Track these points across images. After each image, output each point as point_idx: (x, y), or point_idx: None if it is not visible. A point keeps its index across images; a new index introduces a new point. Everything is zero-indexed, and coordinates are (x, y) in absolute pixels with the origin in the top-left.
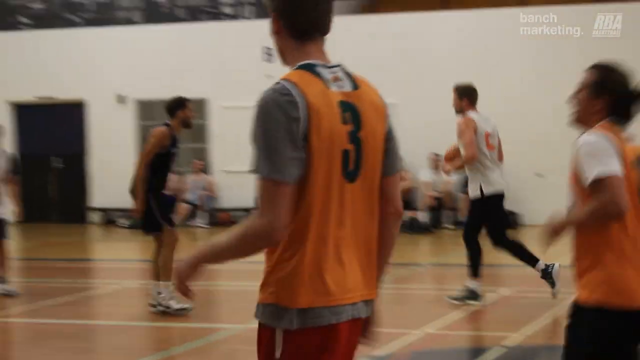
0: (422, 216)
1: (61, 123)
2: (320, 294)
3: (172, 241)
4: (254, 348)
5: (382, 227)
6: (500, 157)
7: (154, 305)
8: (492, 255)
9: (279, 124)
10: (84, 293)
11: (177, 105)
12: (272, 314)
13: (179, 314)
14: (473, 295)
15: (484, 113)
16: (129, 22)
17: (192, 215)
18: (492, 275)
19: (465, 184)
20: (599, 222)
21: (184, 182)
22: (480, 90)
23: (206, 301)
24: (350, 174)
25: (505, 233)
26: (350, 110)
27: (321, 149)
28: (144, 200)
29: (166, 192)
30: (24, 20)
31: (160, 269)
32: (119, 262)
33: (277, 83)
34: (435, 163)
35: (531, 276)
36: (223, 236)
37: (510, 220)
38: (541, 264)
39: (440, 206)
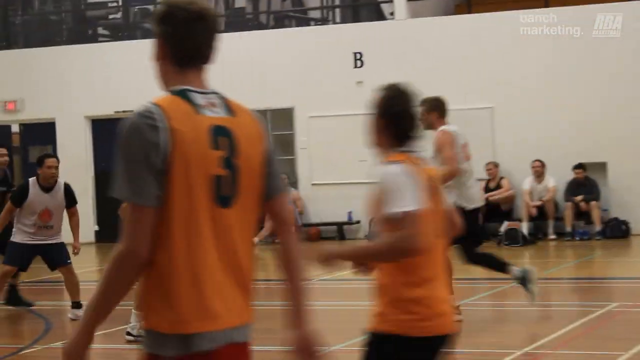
0: (524, 227)
1: None
2: (191, 320)
3: None
4: None
5: (285, 249)
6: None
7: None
8: (590, 269)
9: (138, 147)
10: None
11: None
12: (150, 340)
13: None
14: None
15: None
16: None
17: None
18: (596, 290)
19: (570, 192)
20: (395, 257)
21: None
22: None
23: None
24: (224, 199)
25: (477, 248)
26: (225, 136)
27: (184, 174)
28: None
29: None
30: (103, 32)
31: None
32: None
33: (144, 105)
34: (538, 171)
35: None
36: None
37: (485, 234)
38: (515, 270)
39: (542, 216)
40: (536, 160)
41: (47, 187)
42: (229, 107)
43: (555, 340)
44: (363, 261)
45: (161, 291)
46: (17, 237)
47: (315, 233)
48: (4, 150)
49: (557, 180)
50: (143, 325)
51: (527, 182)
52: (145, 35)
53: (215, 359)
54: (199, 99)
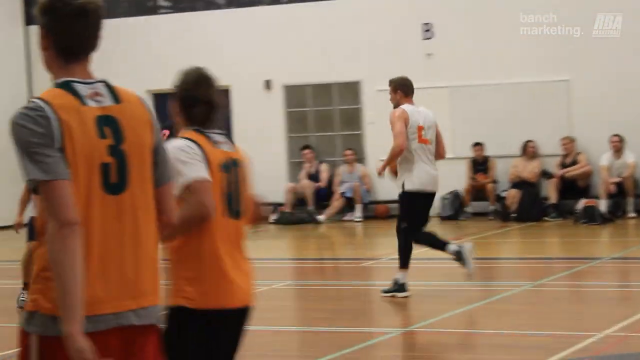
0: (602, 204)
1: None
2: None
3: None
4: (415, 354)
5: (156, 237)
6: (440, 153)
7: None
8: None
9: (34, 132)
10: None
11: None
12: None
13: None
14: (399, 287)
15: (423, 106)
16: (274, 1)
17: (346, 209)
18: None
19: None
20: (191, 225)
21: (336, 173)
22: None
23: (363, 302)
24: (113, 186)
25: (419, 230)
26: (110, 125)
27: (74, 163)
28: None
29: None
30: (164, 3)
31: None
32: (268, 261)
33: (30, 102)
34: (616, 146)
35: None
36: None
37: (427, 219)
38: (452, 247)
39: (621, 193)
40: (615, 135)
41: None
42: (115, 95)
43: (637, 323)
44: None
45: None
46: None
47: (383, 211)
48: None
49: (636, 156)
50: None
51: (605, 158)
52: (207, 6)
53: (99, 341)
54: (83, 89)
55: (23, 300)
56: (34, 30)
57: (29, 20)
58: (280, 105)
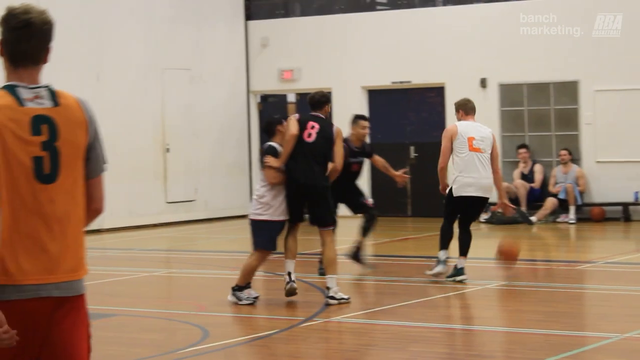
0: None
1: (417, 109)
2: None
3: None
4: None
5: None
6: (493, 166)
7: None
8: None
9: None
10: (440, 294)
11: (326, 100)
12: None
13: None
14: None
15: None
16: None
17: (559, 210)
18: None
19: None
20: None
21: (551, 174)
22: None
23: (577, 306)
24: (46, 176)
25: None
26: (47, 123)
27: (5, 155)
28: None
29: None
30: (381, 0)
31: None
32: (480, 260)
33: None
34: None
35: None
36: None
37: (472, 219)
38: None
39: None
40: None
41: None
42: (55, 99)
43: None
44: None
45: None
46: None
47: (599, 213)
48: (365, 123)
49: None
50: None
51: None
52: (423, 3)
53: (22, 309)
54: (25, 93)
55: None
56: (253, 25)
57: (248, 16)
58: (496, 104)
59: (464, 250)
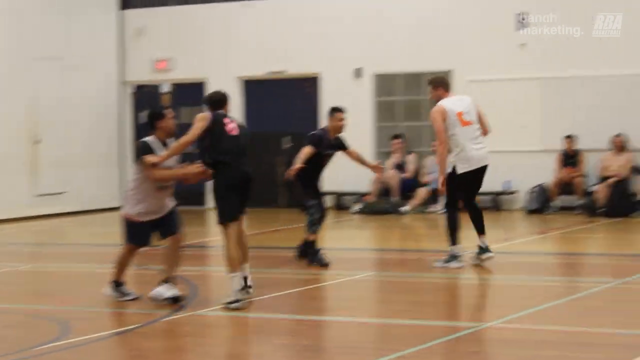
0: None
1: (293, 99)
2: None
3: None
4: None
5: None
6: (484, 130)
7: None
8: None
9: None
10: (311, 285)
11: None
12: None
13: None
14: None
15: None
16: None
17: (431, 200)
18: None
19: None
20: None
21: (423, 164)
22: None
23: (442, 295)
24: None
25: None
26: None
27: None
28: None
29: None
30: None
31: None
32: (350, 251)
33: None
34: None
35: None
36: None
37: (478, 190)
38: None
39: None
40: None
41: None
42: None
43: None
44: None
45: None
46: None
47: None
48: (342, 115)
49: None
50: None
51: None
52: None
53: None
54: None
55: None
56: (128, 14)
57: (123, 4)
58: (370, 94)
59: (481, 228)
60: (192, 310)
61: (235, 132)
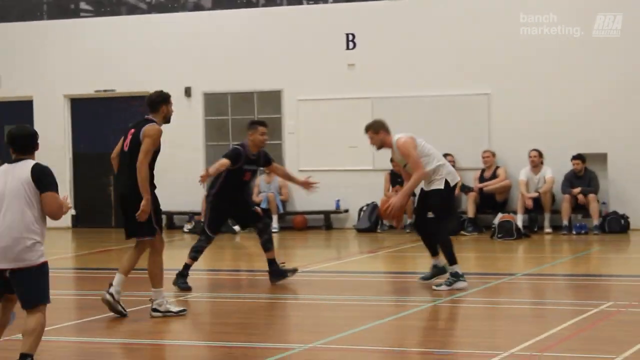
0: (519, 219)
1: (120, 118)
2: None
3: (162, 246)
4: None
5: None
6: None
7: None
8: (586, 266)
9: None
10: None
11: (162, 100)
12: None
13: (181, 314)
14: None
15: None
16: (197, 7)
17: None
18: (591, 287)
19: (568, 183)
20: None
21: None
22: None
23: (268, 316)
24: None
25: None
26: None
27: None
28: (149, 202)
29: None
30: (85, 7)
31: (151, 275)
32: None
33: None
34: (535, 161)
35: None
36: None
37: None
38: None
39: (538, 208)
40: (533, 150)
41: None
42: None
43: (545, 341)
44: None
45: None
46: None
47: (301, 221)
48: (264, 129)
49: (554, 171)
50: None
51: (523, 173)
52: (130, 11)
53: None
54: None
55: None
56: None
57: None
58: (200, 113)
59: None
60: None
61: (125, 148)
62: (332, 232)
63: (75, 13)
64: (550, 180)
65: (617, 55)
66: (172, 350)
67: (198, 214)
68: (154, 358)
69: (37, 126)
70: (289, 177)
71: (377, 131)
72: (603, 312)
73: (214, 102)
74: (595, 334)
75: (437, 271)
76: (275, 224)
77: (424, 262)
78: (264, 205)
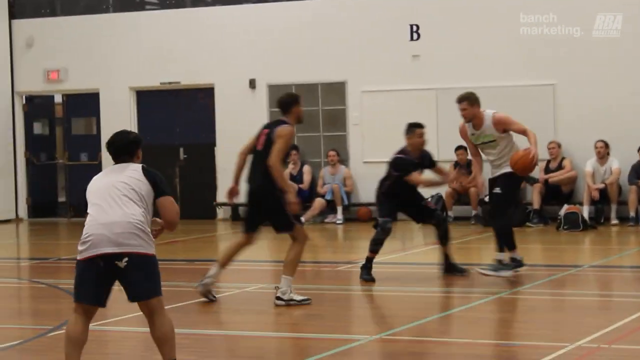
0: (585, 210)
1: (187, 110)
2: None
3: (304, 238)
4: None
5: None
6: None
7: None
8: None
9: None
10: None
11: (292, 101)
12: None
13: (304, 303)
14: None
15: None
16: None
17: (328, 211)
18: None
19: (635, 174)
20: None
21: (318, 175)
22: None
23: (333, 307)
24: None
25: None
26: None
27: None
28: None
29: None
30: (151, 0)
31: (286, 262)
32: (246, 263)
33: None
34: (601, 152)
35: None
36: None
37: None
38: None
39: (605, 199)
40: (599, 141)
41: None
42: None
43: (612, 333)
44: None
45: None
46: None
47: (365, 213)
48: (423, 131)
49: (621, 162)
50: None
51: (589, 164)
52: (194, 3)
53: None
54: None
55: None
56: (18, 24)
57: (12, 14)
58: (264, 104)
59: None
60: None
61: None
62: (397, 224)
63: (141, 6)
64: (617, 171)
65: None
66: (238, 340)
67: None
68: (219, 349)
69: (103, 118)
70: (453, 180)
71: (473, 103)
72: None
73: (279, 94)
74: None
75: (516, 264)
76: (339, 215)
77: (488, 254)
78: (328, 197)
